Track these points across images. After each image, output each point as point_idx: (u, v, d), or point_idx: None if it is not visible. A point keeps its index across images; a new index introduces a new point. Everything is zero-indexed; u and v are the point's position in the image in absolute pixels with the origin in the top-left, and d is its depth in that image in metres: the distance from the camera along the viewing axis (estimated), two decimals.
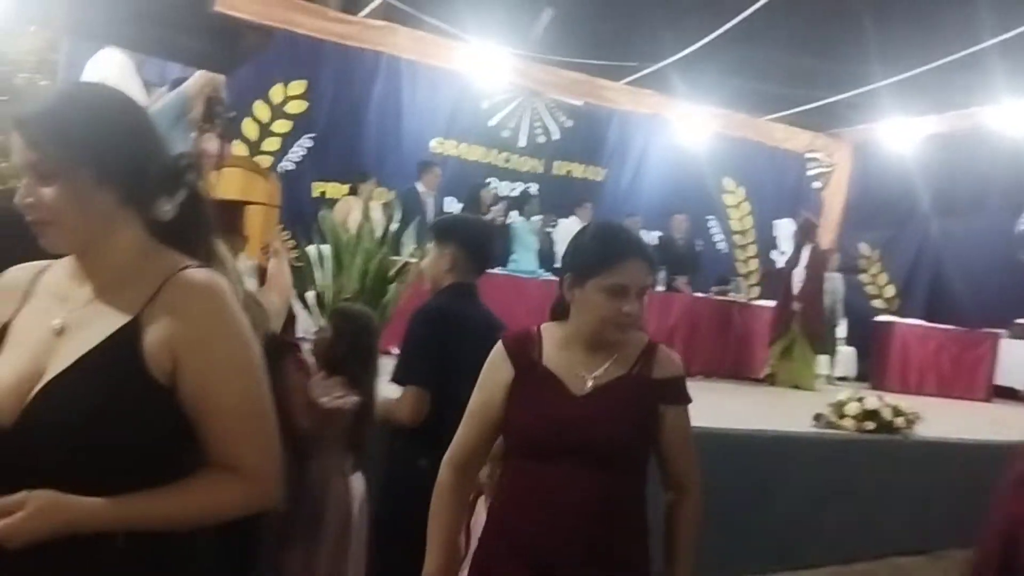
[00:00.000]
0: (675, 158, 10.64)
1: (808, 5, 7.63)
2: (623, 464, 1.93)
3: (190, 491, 1.31)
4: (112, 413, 1.25)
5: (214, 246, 1.46)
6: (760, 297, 10.14)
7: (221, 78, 4.19)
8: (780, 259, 10.57)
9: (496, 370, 2.00)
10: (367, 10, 8.77)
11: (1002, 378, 9.86)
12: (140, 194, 1.35)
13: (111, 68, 4.19)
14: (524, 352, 1.99)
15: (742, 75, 9.26)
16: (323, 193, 8.74)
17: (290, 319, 3.09)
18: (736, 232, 11.50)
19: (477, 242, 3.05)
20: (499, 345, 2.04)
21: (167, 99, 3.95)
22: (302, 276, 5.20)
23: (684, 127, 10.59)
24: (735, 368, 9.03)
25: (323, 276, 5.17)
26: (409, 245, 6.68)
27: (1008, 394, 9.72)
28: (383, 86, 9.11)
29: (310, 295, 5.16)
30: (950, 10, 7.20)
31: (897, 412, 5.51)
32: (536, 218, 9.25)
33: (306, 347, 3.22)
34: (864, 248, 11.65)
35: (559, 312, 2.05)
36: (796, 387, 8.46)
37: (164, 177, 1.37)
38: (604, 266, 1.91)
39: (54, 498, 1.21)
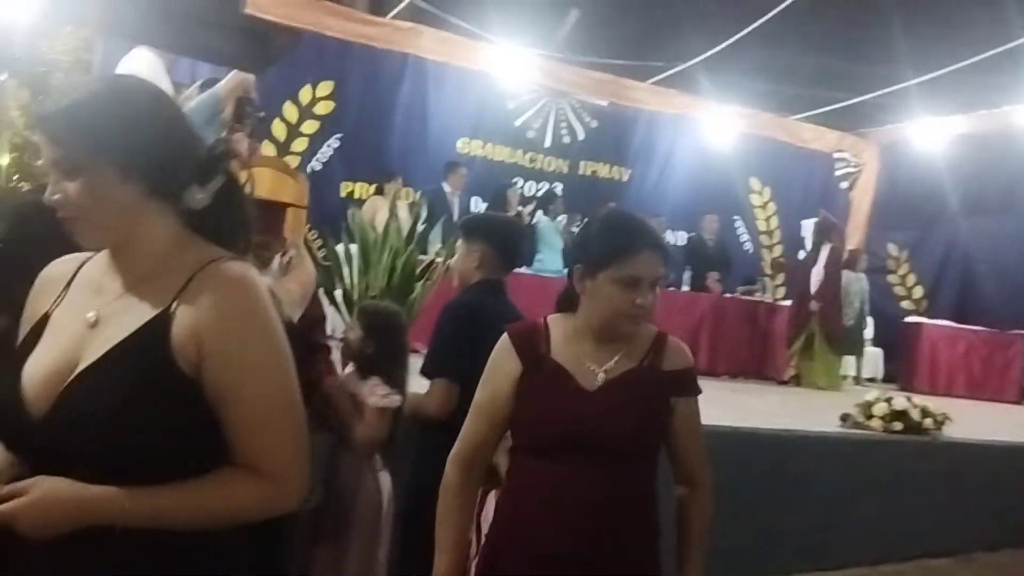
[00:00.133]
0: (701, 158, 10.61)
1: (836, 4, 7.59)
2: (635, 459, 1.90)
3: (208, 487, 1.28)
4: (139, 406, 1.23)
5: (251, 238, 1.45)
6: (786, 297, 10.08)
7: (252, 78, 4.24)
8: None
9: (502, 364, 1.94)
10: (394, 12, 8.83)
11: None
12: (169, 185, 1.33)
13: (141, 66, 4.25)
14: (531, 345, 1.93)
15: (769, 75, 9.22)
16: (351, 193, 8.81)
17: (319, 319, 3.10)
18: (762, 232, 11.45)
19: (505, 239, 3.07)
20: (504, 338, 1.97)
21: (200, 99, 4.01)
22: (330, 275, 5.26)
23: (710, 127, 10.55)
24: (760, 369, 8.98)
25: (351, 274, 5.22)
26: (435, 244, 6.73)
27: None
28: (410, 87, 9.17)
29: (338, 293, 5.22)
30: (979, 9, 7.14)
31: (926, 413, 5.46)
32: (561, 218, 9.27)
33: (335, 344, 3.25)
34: (892, 249, 11.55)
35: (566, 303, 2.00)
36: (820, 388, 8.41)
37: (195, 167, 1.35)
38: (616, 257, 1.85)
39: (59, 484, 1.21)
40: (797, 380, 8.69)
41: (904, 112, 10.28)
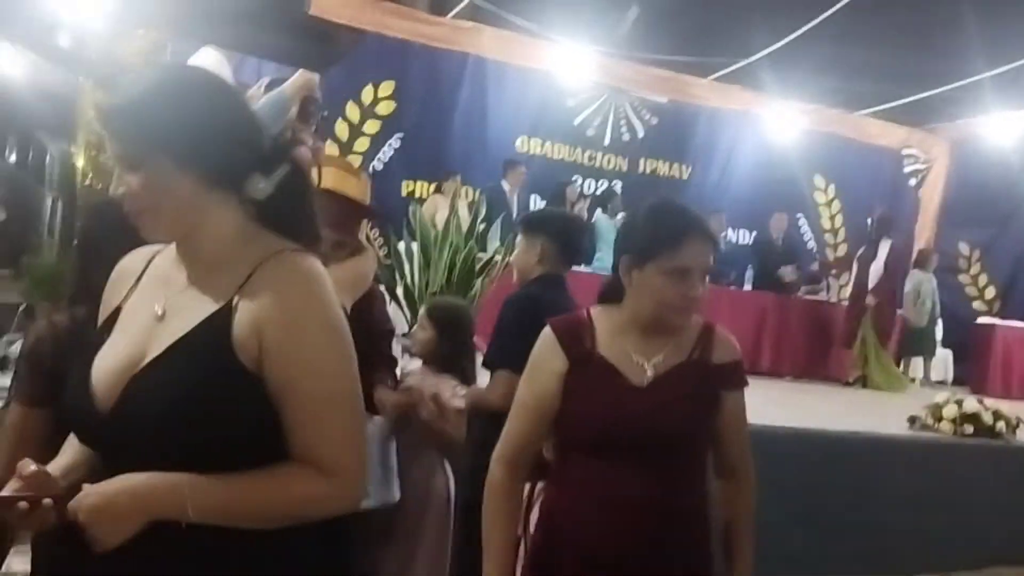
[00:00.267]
0: (763, 155, 10.44)
1: None
2: (686, 456, 1.85)
3: (267, 481, 1.26)
4: (200, 401, 1.22)
5: (320, 231, 1.42)
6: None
7: (316, 78, 4.31)
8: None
9: (547, 359, 1.88)
10: (454, 11, 8.89)
11: None
12: (230, 175, 1.31)
13: (208, 67, 4.35)
14: (577, 340, 1.87)
15: (834, 70, 9.01)
16: (411, 192, 8.90)
17: (387, 333, 3.07)
18: (827, 231, 11.22)
19: (566, 234, 3.07)
20: (548, 333, 1.91)
21: (267, 99, 4.08)
22: (391, 272, 5.33)
23: (773, 124, 10.37)
24: (825, 370, 8.81)
25: (411, 271, 5.28)
26: (494, 242, 6.76)
27: None
28: (469, 86, 9.21)
29: (399, 291, 5.29)
30: None
31: (998, 416, 5.30)
32: (620, 216, 9.21)
33: (404, 343, 3.28)
34: (963, 248, 11.23)
35: (610, 295, 1.93)
36: (881, 389, 8.23)
37: (258, 156, 1.33)
38: (665, 247, 1.79)
39: (115, 484, 1.21)
40: (863, 381, 8.50)
41: (976, 106, 9.95)
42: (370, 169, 8.47)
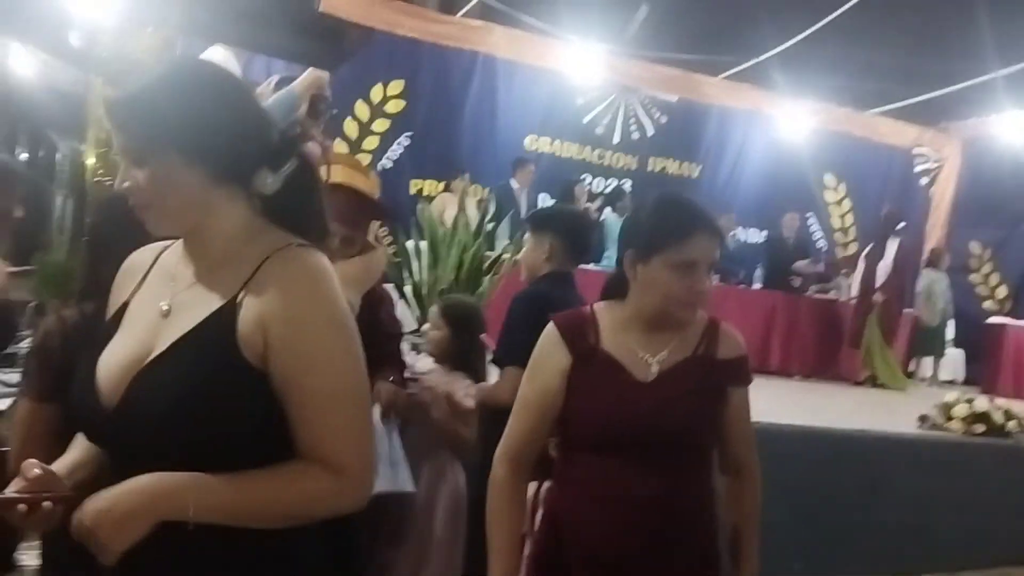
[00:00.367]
0: (773, 154, 10.40)
1: None
2: (692, 452, 1.83)
3: (272, 479, 1.24)
4: (204, 398, 1.20)
5: (328, 226, 1.40)
6: None
7: (326, 76, 4.31)
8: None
9: (550, 355, 1.85)
10: (464, 10, 8.89)
11: None
12: (237, 170, 1.30)
13: None
14: (581, 336, 1.84)
15: (845, 69, 8.98)
16: (420, 191, 8.89)
17: (396, 336, 3.07)
18: (837, 230, 11.18)
19: (574, 231, 3.08)
20: (551, 329, 1.88)
21: (276, 97, 4.08)
22: (399, 270, 5.34)
23: (783, 123, 10.33)
24: (835, 369, 8.79)
25: (419, 269, 5.28)
26: (503, 240, 6.76)
27: None
28: (479, 84, 9.20)
29: (407, 289, 5.29)
30: None
31: (1009, 415, 5.28)
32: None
33: (413, 341, 3.27)
34: (974, 247, 11.18)
35: (614, 290, 1.91)
36: (885, 386, 8.21)
37: (266, 151, 1.31)
38: (671, 240, 1.76)
39: (115, 490, 1.19)
40: (872, 381, 8.47)
41: (988, 105, 9.91)
42: (379, 168, 8.47)
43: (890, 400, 7.48)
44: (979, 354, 9.86)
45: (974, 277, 11.15)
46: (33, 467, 1.23)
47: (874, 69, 8.93)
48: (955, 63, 8.55)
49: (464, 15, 8.94)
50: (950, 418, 5.22)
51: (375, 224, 6.04)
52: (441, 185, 8.76)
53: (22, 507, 1.20)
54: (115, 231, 1.59)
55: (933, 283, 9.34)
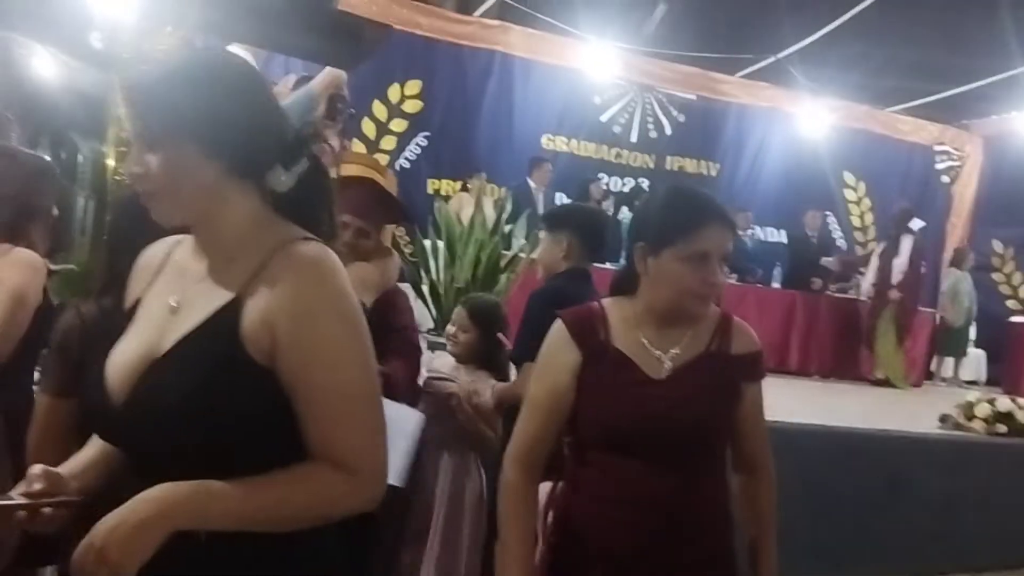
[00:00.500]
0: (793, 152, 10.34)
1: None
2: (707, 451, 1.78)
3: (284, 481, 1.20)
4: (208, 396, 1.17)
5: (336, 222, 1.39)
6: None
7: (344, 75, 4.33)
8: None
9: (559, 354, 1.80)
10: (481, 9, 8.91)
11: None
12: (253, 165, 1.27)
13: None
14: (591, 333, 1.79)
15: (864, 67, 8.91)
16: (437, 190, 8.91)
17: (414, 348, 3.05)
18: (857, 228, 11.09)
19: (591, 228, 3.07)
20: (559, 326, 1.83)
21: (295, 96, 4.10)
22: (416, 269, 5.35)
23: (802, 120, 10.26)
24: (854, 368, 8.72)
25: (436, 268, 5.30)
26: (519, 238, 6.76)
27: None
28: (496, 84, 9.21)
29: (424, 287, 5.30)
30: None
31: None
32: None
33: (430, 340, 3.26)
34: (997, 246, 11.05)
35: (623, 286, 1.86)
36: (885, 382, 8.16)
37: (281, 148, 1.29)
38: (683, 232, 1.71)
39: (125, 508, 1.13)
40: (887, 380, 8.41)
41: (1010, 102, 9.82)
42: (396, 167, 8.49)
43: (910, 400, 7.42)
44: (1001, 354, 9.75)
45: (996, 276, 11.01)
46: (37, 471, 1.22)
47: (894, 66, 8.86)
48: (976, 59, 8.48)
49: (481, 15, 8.95)
50: (972, 418, 5.17)
51: (391, 227, 6.06)
52: (458, 184, 8.77)
53: (21, 514, 1.19)
54: (133, 225, 1.59)
55: (958, 282, 9.26)
